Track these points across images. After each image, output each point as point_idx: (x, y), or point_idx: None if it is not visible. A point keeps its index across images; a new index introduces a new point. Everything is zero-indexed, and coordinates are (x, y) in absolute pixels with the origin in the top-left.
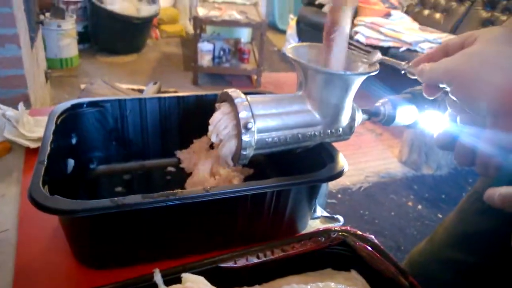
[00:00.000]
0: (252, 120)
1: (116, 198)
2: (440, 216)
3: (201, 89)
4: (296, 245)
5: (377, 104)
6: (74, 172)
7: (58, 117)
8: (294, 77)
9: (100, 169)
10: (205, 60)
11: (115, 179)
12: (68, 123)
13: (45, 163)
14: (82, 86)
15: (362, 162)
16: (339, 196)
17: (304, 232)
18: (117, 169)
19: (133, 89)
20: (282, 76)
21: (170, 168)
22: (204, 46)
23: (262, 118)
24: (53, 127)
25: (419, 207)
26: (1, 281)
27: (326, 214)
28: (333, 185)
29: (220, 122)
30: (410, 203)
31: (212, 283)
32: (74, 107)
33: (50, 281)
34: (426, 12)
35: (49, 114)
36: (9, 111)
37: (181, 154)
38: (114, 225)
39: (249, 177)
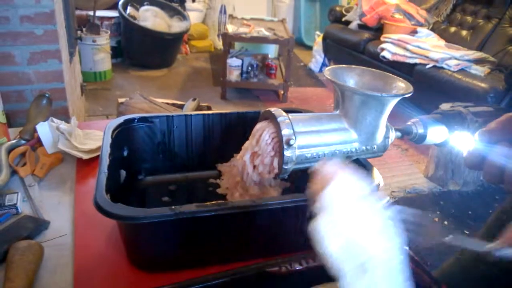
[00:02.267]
0: (293, 137)
1: (173, 207)
2: (466, 232)
3: (229, 104)
4: None
5: (409, 123)
6: (125, 182)
7: (113, 131)
8: (320, 92)
9: (148, 180)
10: (234, 75)
11: (161, 189)
12: (121, 136)
13: (106, 173)
14: (121, 100)
15: (388, 177)
16: None
17: None
18: (163, 180)
19: (169, 104)
20: (309, 91)
21: (211, 180)
22: (233, 62)
23: (303, 135)
24: (109, 140)
25: (446, 223)
26: (63, 282)
27: None
28: None
29: (263, 138)
30: (436, 219)
31: (259, 286)
32: (127, 122)
33: (106, 282)
34: (453, 29)
35: (105, 128)
36: (62, 125)
37: (222, 167)
38: (169, 231)
39: (286, 190)
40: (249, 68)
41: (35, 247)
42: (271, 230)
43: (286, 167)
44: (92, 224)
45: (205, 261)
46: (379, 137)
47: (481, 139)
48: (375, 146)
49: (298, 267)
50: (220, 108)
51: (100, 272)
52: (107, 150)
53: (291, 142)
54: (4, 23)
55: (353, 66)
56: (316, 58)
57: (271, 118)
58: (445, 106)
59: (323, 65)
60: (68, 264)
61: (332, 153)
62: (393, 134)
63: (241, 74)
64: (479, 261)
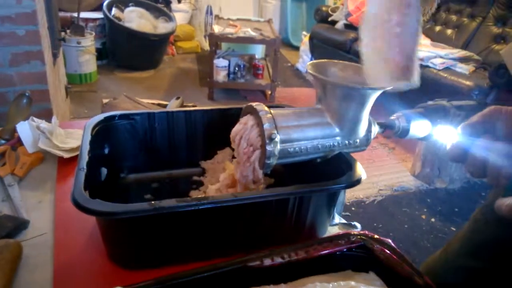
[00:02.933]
0: (275, 132)
1: (153, 202)
2: (453, 229)
3: (216, 104)
4: (318, 247)
5: (392, 118)
6: (106, 180)
7: (93, 128)
8: (308, 92)
9: (130, 178)
10: (221, 76)
11: (144, 187)
12: (102, 134)
13: (85, 170)
14: (105, 100)
15: (376, 175)
16: (353, 208)
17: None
18: (146, 177)
19: (155, 104)
20: (296, 91)
21: (195, 177)
22: (220, 62)
23: (285, 130)
24: (89, 137)
25: (432, 220)
26: (42, 280)
27: (344, 221)
28: (347, 197)
29: (245, 133)
30: (423, 216)
31: (239, 282)
32: (107, 119)
33: (86, 280)
34: (438, 28)
35: (85, 125)
36: (43, 124)
37: (205, 164)
38: (148, 227)
39: (270, 186)
40: (236, 68)
41: (13, 246)
42: (253, 225)
43: (268, 161)
44: (73, 223)
45: (187, 257)
46: (362, 131)
47: (464, 132)
48: (358, 140)
49: (280, 261)
50: None
51: (80, 270)
52: (86, 147)
53: (273, 136)
54: None
55: (335, 60)
56: (303, 58)
57: (253, 113)
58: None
59: None
60: (48, 263)
61: (315, 147)
62: (375, 128)
63: (228, 74)
64: (464, 255)
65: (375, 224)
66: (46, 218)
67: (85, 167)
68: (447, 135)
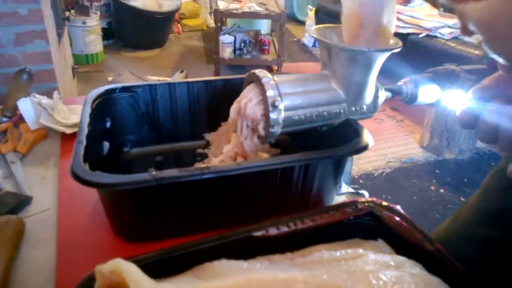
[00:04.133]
0: (279, 99)
1: (154, 172)
2: (462, 199)
3: None
4: (324, 215)
5: (399, 83)
6: (109, 155)
7: (94, 101)
8: (314, 66)
9: (133, 152)
10: (227, 52)
11: (147, 161)
12: (103, 107)
13: (84, 142)
14: (110, 78)
15: (384, 148)
16: (361, 181)
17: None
18: (149, 151)
19: (160, 80)
20: (302, 66)
21: (200, 150)
22: (225, 39)
23: (289, 96)
24: (89, 110)
25: (442, 191)
26: (46, 256)
27: (351, 190)
28: (355, 170)
29: (248, 101)
30: (432, 188)
31: (245, 251)
32: (108, 92)
33: (90, 254)
34: None
35: (85, 98)
36: (44, 100)
37: (209, 136)
38: (151, 199)
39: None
40: (242, 44)
41: (15, 222)
42: (258, 194)
43: (272, 130)
44: (76, 198)
45: (191, 229)
46: (368, 97)
47: (474, 97)
48: (365, 107)
49: (286, 230)
50: None
51: (84, 244)
52: (86, 120)
53: (277, 103)
54: None
55: (340, 24)
56: (309, 33)
57: (256, 80)
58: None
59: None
60: (51, 239)
61: (320, 114)
62: (383, 94)
63: (234, 51)
64: (478, 224)
65: (383, 196)
66: (49, 194)
67: (84, 139)
68: (457, 100)
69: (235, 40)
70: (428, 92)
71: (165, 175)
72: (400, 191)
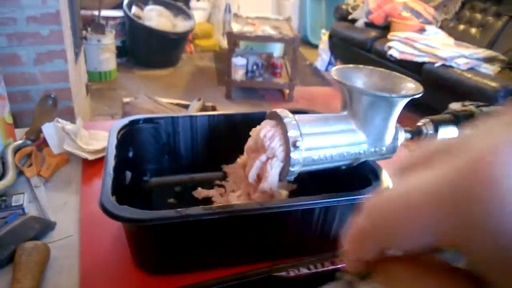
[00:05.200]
0: (300, 139)
1: (179, 209)
2: None
3: (234, 103)
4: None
5: (418, 124)
6: (130, 183)
7: (119, 131)
8: (326, 91)
9: (153, 181)
10: (239, 75)
11: (166, 191)
12: (126, 137)
13: (112, 175)
14: (125, 99)
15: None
16: None
17: None
18: (169, 181)
19: (174, 104)
20: (314, 90)
21: (217, 182)
22: (238, 61)
23: (310, 136)
24: (115, 141)
25: None
26: (69, 283)
27: None
28: None
29: (269, 140)
30: None
31: None
32: (132, 123)
33: (111, 283)
34: (462, 27)
35: (110, 129)
36: (68, 125)
37: (227, 168)
38: (175, 234)
39: (292, 192)
40: (254, 67)
41: (42, 248)
42: (279, 234)
43: (293, 169)
44: (98, 225)
45: (211, 264)
46: (388, 139)
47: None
48: (384, 148)
49: (306, 272)
50: (225, 108)
51: (106, 274)
52: (112, 152)
53: (298, 144)
54: (11, 24)
55: (361, 66)
56: (322, 57)
57: (277, 119)
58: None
59: (329, 63)
60: (74, 265)
61: (340, 155)
62: (402, 135)
63: (246, 73)
64: None
65: None
66: (71, 220)
67: (112, 172)
68: None
69: (247, 63)
70: (447, 134)
71: (190, 212)
72: None
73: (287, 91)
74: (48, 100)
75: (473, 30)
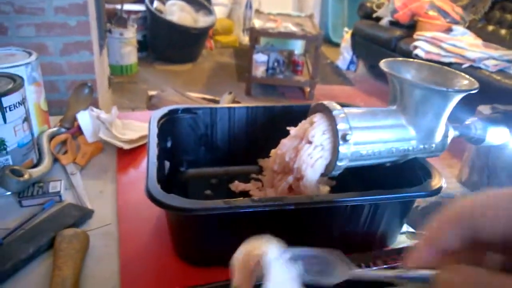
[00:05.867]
0: (350, 132)
1: (228, 199)
2: None
3: (254, 100)
4: (397, 257)
5: (467, 123)
6: (168, 174)
7: (159, 121)
8: (348, 90)
9: (189, 172)
10: (259, 71)
11: (202, 182)
12: (165, 127)
13: (156, 163)
14: (151, 92)
15: None
16: None
17: (393, 246)
18: (205, 173)
19: (199, 98)
20: (336, 89)
21: (253, 175)
22: (259, 57)
23: (358, 130)
24: (156, 130)
25: None
26: (109, 270)
27: (411, 230)
28: None
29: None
30: None
31: None
32: (171, 112)
33: (153, 274)
34: (491, 27)
35: (151, 118)
36: (103, 114)
37: (263, 162)
38: (221, 225)
39: (332, 189)
40: (275, 64)
41: (82, 236)
42: (326, 230)
43: (340, 164)
44: (136, 214)
45: None
46: (438, 136)
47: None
48: (433, 145)
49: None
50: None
51: (146, 264)
52: (154, 140)
53: (348, 137)
54: (40, 14)
55: (410, 59)
56: (343, 55)
57: (325, 111)
58: (483, 109)
59: (351, 62)
60: (114, 254)
61: (388, 151)
62: (451, 133)
63: (267, 70)
64: None
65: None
66: (108, 208)
67: (156, 160)
68: None
69: (268, 59)
70: (497, 135)
71: (239, 204)
72: None
73: (307, 89)
74: (84, 89)
75: (503, 31)
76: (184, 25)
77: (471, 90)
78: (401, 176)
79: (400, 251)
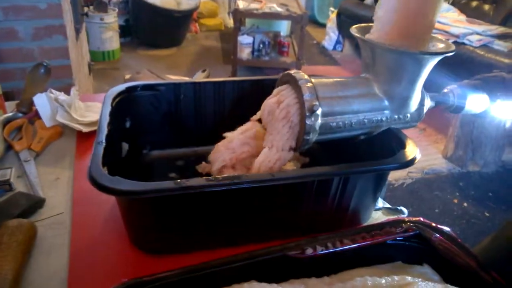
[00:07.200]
0: (317, 103)
1: (179, 180)
2: (487, 214)
3: None
4: (366, 235)
5: (445, 91)
6: (128, 157)
7: (114, 99)
8: (334, 70)
9: (153, 154)
10: (245, 53)
11: (168, 165)
12: (123, 106)
13: (104, 144)
14: (127, 76)
15: None
16: None
17: (366, 224)
18: (170, 154)
19: (181, 79)
20: (322, 70)
21: None
22: (244, 39)
23: (327, 101)
24: (109, 108)
25: (465, 204)
26: (58, 262)
27: (388, 205)
28: None
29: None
30: (455, 201)
31: (278, 273)
32: (129, 89)
33: (105, 264)
34: (474, 3)
35: (105, 96)
36: (62, 96)
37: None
38: (174, 208)
39: (304, 166)
40: (261, 45)
41: (26, 226)
42: (293, 209)
43: (307, 137)
44: (92, 202)
45: (217, 243)
46: (414, 105)
47: None
48: (409, 115)
49: (323, 250)
50: None
51: (99, 253)
52: (105, 119)
53: (315, 108)
54: None
55: None
56: (329, 36)
57: (292, 82)
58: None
59: (337, 42)
60: (64, 245)
61: (360, 122)
62: (428, 102)
63: (252, 52)
64: None
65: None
66: (63, 196)
67: (104, 140)
68: (508, 110)
69: (253, 41)
70: (476, 102)
71: (192, 183)
72: (421, 204)
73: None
74: (40, 69)
75: (486, 7)
76: (167, 8)
77: (447, 53)
78: (375, 148)
79: (381, 226)
